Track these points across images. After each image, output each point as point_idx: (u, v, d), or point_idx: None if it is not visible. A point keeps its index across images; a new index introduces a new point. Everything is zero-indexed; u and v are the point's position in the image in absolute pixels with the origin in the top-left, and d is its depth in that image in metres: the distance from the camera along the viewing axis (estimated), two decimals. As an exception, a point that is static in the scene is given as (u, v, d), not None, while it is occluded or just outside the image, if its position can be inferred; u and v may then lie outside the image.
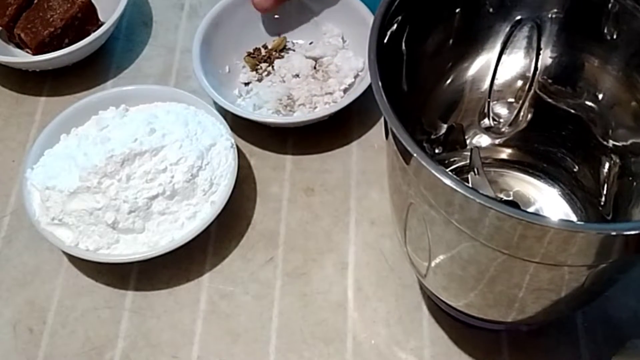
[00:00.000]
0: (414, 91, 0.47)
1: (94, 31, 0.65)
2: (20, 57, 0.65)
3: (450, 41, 0.48)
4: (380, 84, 0.37)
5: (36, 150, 0.57)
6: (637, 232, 0.33)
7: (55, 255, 0.56)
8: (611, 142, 0.49)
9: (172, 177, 0.53)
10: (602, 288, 0.43)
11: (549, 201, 0.53)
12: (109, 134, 0.55)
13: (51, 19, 0.64)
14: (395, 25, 0.41)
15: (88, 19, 0.65)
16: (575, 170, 0.52)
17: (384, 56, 0.39)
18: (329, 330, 0.52)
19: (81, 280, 0.55)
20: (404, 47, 0.44)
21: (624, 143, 0.48)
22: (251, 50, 0.66)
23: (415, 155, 0.35)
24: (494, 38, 0.50)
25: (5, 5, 0.66)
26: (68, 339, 0.53)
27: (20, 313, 0.54)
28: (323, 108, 0.61)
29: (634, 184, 0.47)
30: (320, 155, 0.61)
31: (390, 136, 0.39)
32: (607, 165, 0.49)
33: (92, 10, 0.66)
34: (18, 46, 0.67)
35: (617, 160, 0.48)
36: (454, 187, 0.34)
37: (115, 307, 0.54)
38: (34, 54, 0.64)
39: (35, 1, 0.66)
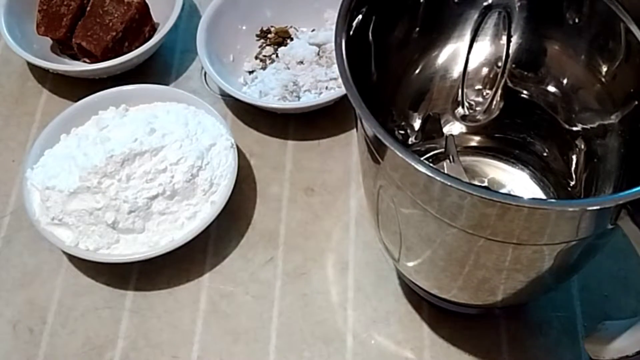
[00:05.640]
0: (383, 81, 0.48)
1: (148, 31, 0.65)
2: (91, 65, 0.64)
3: (417, 30, 0.49)
4: (348, 72, 0.38)
5: (36, 150, 0.57)
6: (597, 207, 0.35)
7: (55, 255, 0.56)
8: (579, 126, 0.50)
9: (172, 177, 0.54)
10: (575, 264, 0.44)
11: (522, 186, 0.54)
12: (109, 134, 0.55)
13: (111, 24, 0.63)
14: (360, 16, 0.42)
15: (144, 20, 0.65)
16: (545, 154, 0.53)
17: (351, 47, 0.39)
18: (329, 330, 0.52)
19: (81, 280, 0.55)
20: (370, 37, 0.44)
21: (591, 125, 0.49)
22: (258, 32, 0.67)
23: (376, 132, 0.35)
24: (462, 26, 0.50)
25: (59, 17, 0.65)
26: (68, 339, 0.53)
27: (20, 313, 0.54)
28: (328, 93, 0.61)
29: (600, 165, 0.48)
30: (320, 155, 0.61)
31: (359, 122, 0.40)
32: (575, 148, 0.50)
33: (146, 10, 0.65)
34: (72, 57, 0.67)
35: (584, 143, 0.50)
36: (415, 165, 0.34)
37: (115, 307, 0.54)
38: (99, 61, 0.63)
39: (88, 8, 0.65)
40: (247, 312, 0.53)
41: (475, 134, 0.55)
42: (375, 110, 0.36)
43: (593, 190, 0.48)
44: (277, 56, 0.65)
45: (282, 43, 0.66)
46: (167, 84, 0.65)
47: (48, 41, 0.67)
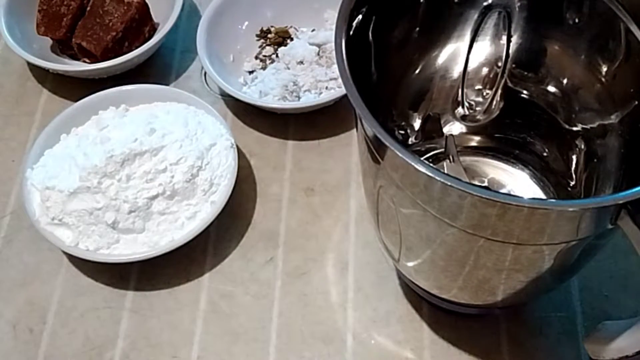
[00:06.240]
0: (383, 81, 0.48)
1: (148, 31, 0.65)
2: (91, 65, 0.63)
3: (417, 30, 0.49)
4: (348, 72, 0.38)
5: (36, 150, 0.57)
6: (597, 206, 0.35)
7: (55, 255, 0.56)
8: (579, 126, 0.50)
9: (172, 177, 0.53)
10: (575, 264, 0.44)
11: (522, 186, 0.54)
12: (109, 134, 0.55)
13: (110, 24, 0.63)
14: (360, 16, 0.42)
15: (144, 20, 0.65)
16: (545, 154, 0.53)
17: (351, 47, 0.39)
18: (329, 330, 0.52)
19: (81, 280, 0.55)
20: (370, 37, 0.44)
21: (591, 125, 0.49)
22: (258, 32, 0.67)
23: (376, 132, 0.35)
24: (462, 26, 0.50)
25: (59, 17, 0.65)
26: (68, 339, 0.53)
27: (20, 313, 0.54)
28: (328, 93, 0.61)
29: (600, 165, 0.48)
30: (320, 155, 0.61)
31: (359, 122, 0.40)
32: (575, 148, 0.50)
33: (146, 10, 0.65)
34: (72, 57, 0.67)
35: (584, 143, 0.50)
36: (415, 165, 0.34)
37: (115, 307, 0.54)
38: (99, 61, 0.63)
39: (88, 8, 0.65)
40: (247, 312, 0.53)
41: (475, 134, 0.55)
42: (375, 110, 0.36)
43: (593, 190, 0.48)
44: (277, 56, 0.65)
45: (282, 43, 0.66)
46: (167, 84, 0.65)
47: (48, 41, 0.67)
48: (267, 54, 0.66)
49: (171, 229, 0.54)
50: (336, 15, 0.40)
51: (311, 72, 0.63)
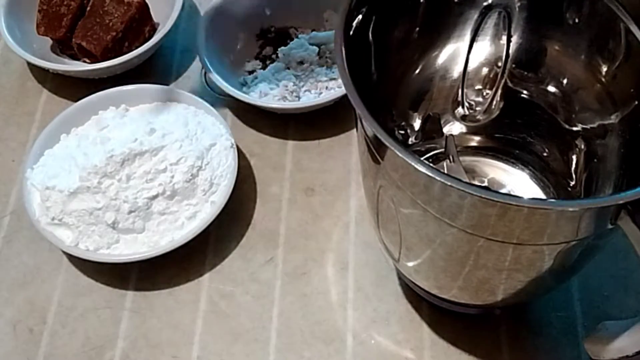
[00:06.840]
0: (383, 81, 0.48)
1: (148, 31, 0.65)
2: (91, 65, 0.63)
3: (417, 30, 0.49)
4: (348, 72, 0.38)
5: (36, 150, 0.57)
6: (598, 206, 0.35)
7: (55, 255, 0.56)
8: (579, 126, 0.50)
9: (172, 177, 0.54)
10: (574, 264, 0.44)
11: (522, 186, 0.54)
12: (109, 134, 0.55)
13: (111, 24, 0.63)
14: (360, 16, 0.42)
15: (144, 20, 0.65)
16: (545, 154, 0.53)
17: (351, 47, 0.39)
18: (329, 330, 0.52)
19: (81, 280, 0.55)
20: (370, 37, 0.44)
21: (591, 125, 0.49)
22: (258, 32, 0.67)
23: (376, 132, 0.35)
24: (462, 26, 0.50)
25: (58, 17, 0.65)
26: (68, 339, 0.53)
27: (20, 313, 0.54)
28: (328, 93, 0.61)
29: (600, 165, 0.48)
30: (320, 155, 0.61)
31: (359, 122, 0.40)
32: (575, 148, 0.50)
33: (146, 10, 0.65)
34: (72, 57, 0.67)
35: (584, 143, 0.50)
36: (415, 165, 0.34)
37: (115, 307, 0.54)
38: (99, 61, 0.63)
39: (88, 8, 0.65)
40: (247, 312, 0.53)
41: (475, 134, 0.55)
42: (375, 110, 0.36)
43: (593, 190, 0.49)
44: (277, 56, 0.65)
45: (282, 43, 0.66)
46: (167, 84, 0.65)
47: (48, 41, 0.67)
48: (267, 54, 0.66)
49: (171, 229, 0.54)
50: (336, 15, 0.40)
51: (311, 72, 0.63)
